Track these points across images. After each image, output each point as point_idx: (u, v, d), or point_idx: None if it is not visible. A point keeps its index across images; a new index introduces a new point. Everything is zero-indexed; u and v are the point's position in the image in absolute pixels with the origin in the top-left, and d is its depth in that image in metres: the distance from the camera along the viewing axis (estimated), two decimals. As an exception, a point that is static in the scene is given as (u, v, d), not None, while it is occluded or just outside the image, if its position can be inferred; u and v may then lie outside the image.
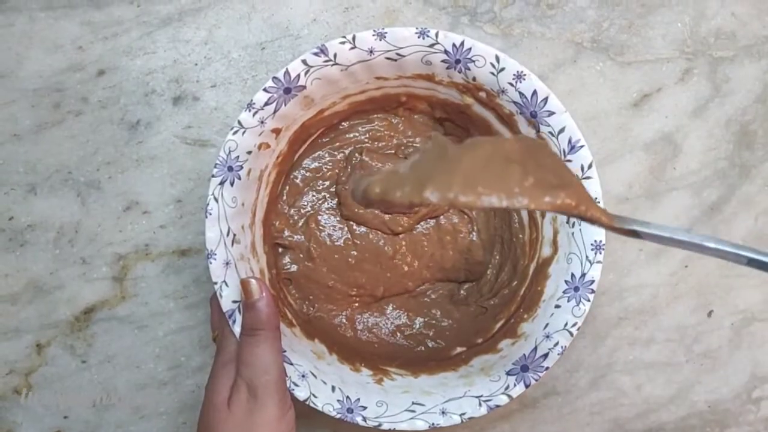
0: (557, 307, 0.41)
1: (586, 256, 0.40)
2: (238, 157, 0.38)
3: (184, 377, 0.47)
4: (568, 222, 0.42)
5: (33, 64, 0.47)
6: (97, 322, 0.47)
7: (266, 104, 0.38)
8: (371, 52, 0.38)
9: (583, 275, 0.40)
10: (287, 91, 0.38)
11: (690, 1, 0.50)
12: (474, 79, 0.40)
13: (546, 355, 0.40)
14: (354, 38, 0.38)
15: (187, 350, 0.47)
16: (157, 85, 0.48)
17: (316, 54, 0.38)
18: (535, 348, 0.40)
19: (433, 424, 0.39)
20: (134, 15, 0.48)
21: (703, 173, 0.51)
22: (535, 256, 0.44)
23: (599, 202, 0.40)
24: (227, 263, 0.38)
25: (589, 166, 0.40)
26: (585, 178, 0.40)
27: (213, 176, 0.37)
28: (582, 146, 0.40)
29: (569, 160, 0.40)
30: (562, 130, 0.40)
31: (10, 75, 0.47)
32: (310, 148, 0.46)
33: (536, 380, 0.40)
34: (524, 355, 0.41)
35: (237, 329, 0.37)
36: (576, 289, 0.40)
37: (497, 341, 0.43)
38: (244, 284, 0.37)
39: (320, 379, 0.39)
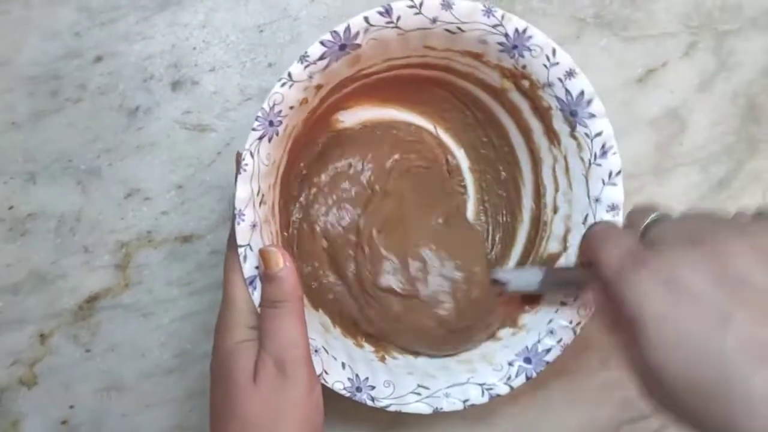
0: (563, 303, 0.41)
1: None
2: (280, 111, 0.36)
3: (190, 364, 0.47)
4: (584, 223, 0.41)
5: (30, 51, 0.47)
6: (100, 310, 0.46)
7: (320, 59, 0.36)
8: (434, 21, 0.37)
9: None
10: (342, 47, 0.36)
11: (694, -26, 0.50)
12: (524, 67, 0.39)
13: (549, 350, 0.40)
14: (421, 4, 0.36)
15: (193, 337, 0.47)
16: (156, 71, 0.47)
17: (380, 13, 0.36)
18: (538, 341, 0.41)
19: (437, 408, 0.39)
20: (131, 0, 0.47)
21: (710, 148, 0.50)
22: (539, 249, 0.44)
23: (620, 212, 0.40)
24: (254, 225, 0.36)
25: (617, 174, 0.40)
26: (609, 184, 0.40)
27: (253, 129, 0.35)
28: (614, 154, 0.40)
29: (599, 164, 0.40)
30: (598, 134, 0.40)
31: (7, 63, 0.46)
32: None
33: (537, 373, 0.40)
34: (527, 347, 0.41)
35: (256, 299, 0.35)
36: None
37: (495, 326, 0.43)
38: (265, 254, 0.35)
39: (331, 355, 0.38)
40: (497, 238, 0.47)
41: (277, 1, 0.48)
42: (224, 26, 0.48)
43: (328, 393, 0.37)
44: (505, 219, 0.47)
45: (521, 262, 0.46)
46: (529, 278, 0.41)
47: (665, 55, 0.50)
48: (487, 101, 0.45)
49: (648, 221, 0.32)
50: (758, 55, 0.50)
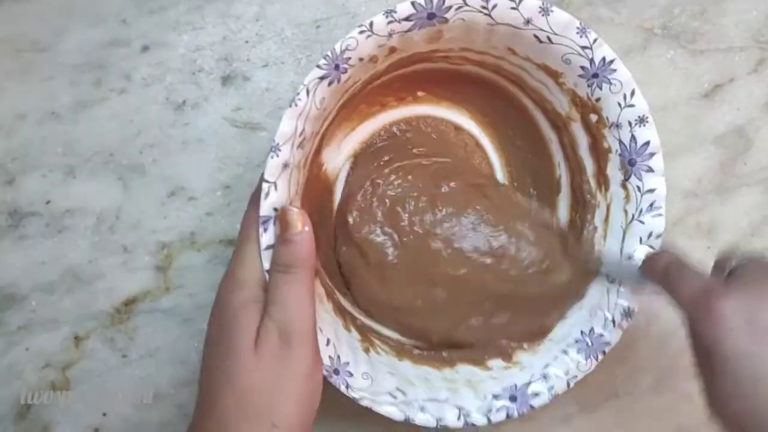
0: (564, 352, 0.40)
1: (612, 318, 0.39)
2: (349, 59, 0.33)
3: (229, 374, 0.45)
4: (608, 278, 0.40)
5: (73, 38, 0.44)
6: (138, 314, 0.44)
7: (405, 19, 0.33)
8: (528, 22, 0.35)
9: (601, 335, 0.39)
10: (431, 16, 0.34)
11: (766, -12, 0.48)
12: (598, 99, 0.37)
13: (537, 395, 0.39)
14: (521, 1, 0.34)
15: (234, 345, 0.45)
16: (205, 63, 0.45)
17: None
18: (529, 382, 0.39)
19: (408, 417, 0.37)
20: (182, -13, 0.45)
21: (775, 169, 0.48)
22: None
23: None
24: (286, 165, 0.33)
25: (657, 236, 0.38)
26: (645, 245, 0.39)
27: (317, 67, 0.33)
28: (660, 216, 0.38)
29: (642, 221, 0.39)
30: (650, 191, 0.38)
31: (49, 49, 0.44)
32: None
33: (519, 415, 0.38)
34: (515, 384, 0.39)
35: (265, 242, 0.32)
36: (589, 344, 0.39)
37: (487, 355, 0.42)
38: (285, 214, 0.32)
39: (318, 326, 0.35)
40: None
41: (335, -4, 0.45)
42: (279, 20, 0.45)
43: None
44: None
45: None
46: (626, 270, 0.39)
47: (733, 71, 0.48)
48: (542, 125, 0.43)
49: (734, 264, 0.32)
50: (828, 74, 0.48)
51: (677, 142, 0.48)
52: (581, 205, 0.42)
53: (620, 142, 0.38)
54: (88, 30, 0.44)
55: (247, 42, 0.45)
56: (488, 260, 0.42)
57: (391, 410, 0.37)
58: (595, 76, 0.37)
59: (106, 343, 0.44)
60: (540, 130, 0.43)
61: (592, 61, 0.36)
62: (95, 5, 0.44)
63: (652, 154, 0.38)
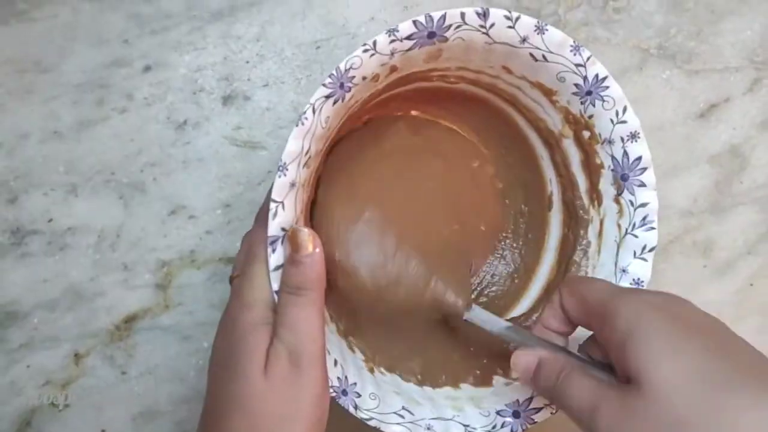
0: None
1: None
2: (353, 77, 0.33)
3: (228, 391, 0.45)
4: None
5: (76, 58, 0.45)
6: (138, 331, 0.44)
7: (407, 38, 0.34)
8: (524, 41, 0.35)
9: None
10: (431, 35, 0.34)
11: (761, 9, 0.48)
12: (591, 117, 0.38)
13: (539, 410, 0.38)
14: (518, 19, 0.35)
15: (233, 363, 0.45)
16: (206, 83, 0.45)
17: (477, 14, 0.34)
18: (531, 398, 0.39)
19: None
20: (184, 8, 0.45)
21: (771, 188, 0.49)
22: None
23: (644, 284, 0.38)
24: (293, 185, 0.33)
25: (650, 250, 0.38)
26: (640, 258, 0.38)
27: (323, 85, 0.33)
28: (653, 229, 0.38)
29: (635, 235, 0.39)
30: (643, 205, 0.38)
31: (52, 69, 0.44)
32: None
33: (523, 429, 0.38)
34: (518, 400, 0.39)
35: (273, 262, 0.32)
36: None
37: (491, 375, 0.42)
38: (295, 235, 0.31)
39: (327, 348, 0.35)
40: (509, 285, 0.46)
41: (335, 17, 0.46)
42: (279, 41, 0.46)
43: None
44: (519, 266, 0.45)
45: (528, 315, 0.44)
46: (494, 322, 0.38)
47: (729, 90, 0.48)
48: (534, 142, 0.43)
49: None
50: (823, 94, 0.49)
51: (673, 161, 0.48)
52: (574, 220, 0.43)
53: (612, 157, 0.39)
54: (90, 50, 0.45)
55: (247, 62, 0.46)
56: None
57: (399, 430, 0.37)
58: (589, 93, 0.37)
59: (105, 360, 0.44)
60: (532, 147, 0.44)
61: (585, 78, 0.37)
62: (98, 26, 0.45)
63: (644, 169, 0.38)
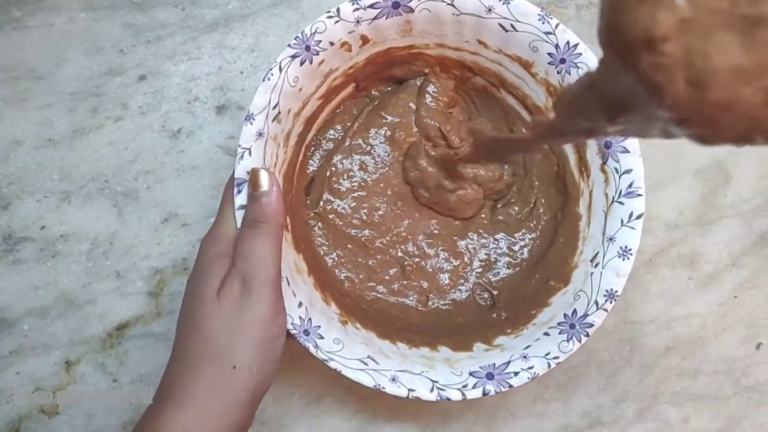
0: (546, 334, 0.39)
1: (596, 300, 0.39)
2: (319, 42, 0.36)
3: (219, 399, 0.45)
4: (591, 261, 0.40)
5: (71, 66, 0.45)
6: (130, 338, 0.44)
7: (370, 6, 0.37)
8: (490, 10, 0.37)
9: (585, 316, 0.38)
10: (395, 5, 0.37)
11: (745, 27, 0.50)
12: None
13: (516, 374, 0.38)
14: None
15: (224, 371, 0.45)
16: (201, 93, 0.46)
17: None
18: (508, 362, 0.38)
19: (378, 385, 0.37)
20: (179, 19, 0.46)
21: (755, 201, 0.50)
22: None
23: (632, 257, 0.39)
24: (260, 134, 0.36)
25: (638, 217, 0.38)
26: (627, 226, 0.38)
27: (289, 46, 0.36)
28: (640, 195, 0.38)
29: (621, 203, 0.39)
30: (627, 171, 0.39)
31: (48, 77, 0.45)
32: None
33: (495, 392, 0.37)
34: (494, 363, 0.38)
35: (239, 202, 0.35)
36: (572, 326, 0.39)
37: (472, 342, 0.41)
38: (254, 174, 0.35)
39: (292, 289, 0.36)
40: (503, 260, 0.46)
41: (329, 30, 0.47)
42: (273, 51, 0.46)
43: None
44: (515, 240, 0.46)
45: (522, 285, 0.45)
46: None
47: (714, 106, 0.49)
48: (526, 121, 0.44)
49: None
50: (805, 111, 0.50)
51: (660, 174, 0.49)
52: (565, 196, 0.43)
53: None
54: (85, 59, 0.45)
55: (241, 72, 0.46)
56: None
57: (360, 376, 0.36)
58: (563, 61, 0.38)
59: (96, 367, 0.44)
60: (525, 124, 0.44)
61: (557, 46, 0.38)
62: (93, 35, 0.45)
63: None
